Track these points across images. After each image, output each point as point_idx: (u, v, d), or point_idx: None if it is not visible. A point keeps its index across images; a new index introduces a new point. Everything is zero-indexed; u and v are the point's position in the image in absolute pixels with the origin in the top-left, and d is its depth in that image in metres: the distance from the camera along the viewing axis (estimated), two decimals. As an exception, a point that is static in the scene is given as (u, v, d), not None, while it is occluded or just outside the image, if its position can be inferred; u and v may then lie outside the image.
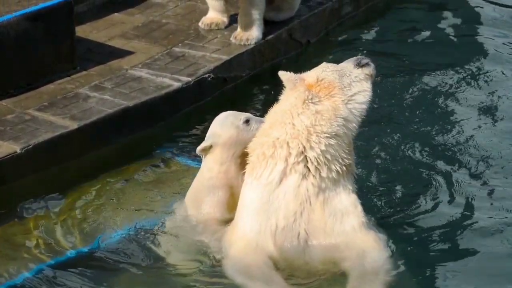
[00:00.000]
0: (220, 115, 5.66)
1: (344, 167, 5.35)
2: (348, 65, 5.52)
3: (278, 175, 5.29)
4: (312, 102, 5.31)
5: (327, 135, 5.28)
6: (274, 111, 5.42)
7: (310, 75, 5.45)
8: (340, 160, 5.33)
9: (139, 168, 6.77)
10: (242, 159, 5.56)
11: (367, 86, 5.47)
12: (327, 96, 5.34)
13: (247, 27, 8.20)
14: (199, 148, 5.63)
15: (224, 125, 5.58)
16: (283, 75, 5.42)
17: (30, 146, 6.66)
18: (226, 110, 5.70)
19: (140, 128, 7.31)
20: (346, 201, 5.35)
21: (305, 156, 5.29)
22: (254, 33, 8.19)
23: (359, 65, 5.51)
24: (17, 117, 7.03)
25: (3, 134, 6.77)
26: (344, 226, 5.32)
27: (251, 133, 5.52)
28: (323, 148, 5.27)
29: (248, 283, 5.23)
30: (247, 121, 5.57)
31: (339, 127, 5.31)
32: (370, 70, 5.50)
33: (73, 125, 6.94)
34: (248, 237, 5.32)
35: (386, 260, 5.33)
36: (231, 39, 8.20)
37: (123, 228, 5.96)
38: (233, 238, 5.38)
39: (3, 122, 6.94)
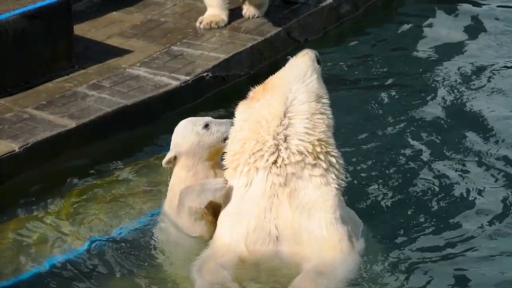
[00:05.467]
0: (180, 124, 5.69)
1: (309, 145, 5.20)
2: None
3: (246, 178, 5.27)
4: (252, 102, 5.34)
5: (276, 119, 5.22)
6: (232, 131, 5.44)
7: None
8: (301, 137, 5.20)
9: (137, 166, 6.77)
10: (213, 162, 5.62)
11: (305, 58, 5.37)
12: (268, 89, 5.33)
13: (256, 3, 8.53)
14: (164, 161, 5.66)
15: (184, 133, 5.61)
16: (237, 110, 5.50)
17: (29, 145, 6.67)
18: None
19: (138, 127, 7.32)
20: (314, 194, 5.17)
21: (264, 152, 5.24)
22: (263, 8, 8.57)
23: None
24: (15, 116, 7.03)
25: (1, 133, 6.79)
26: (310, 222, 5.14)
27: (213, 137, 5.58)
28: (273, 133, 5.22)
29: (198, 278, 5.17)
30: (206, 126, 5.60)
31: (285, 103, 5.22)
32: (306, 50, 5.44)
33: (71, 124, 6.94)
34: (223, 241, 5.29)
35: (343, 264, 5.11)
36: (243, 13, 8.54)
37: (120, 227, 5.96)
38: (211, 242, 5.37)
39: (1, 121, 6.94)
